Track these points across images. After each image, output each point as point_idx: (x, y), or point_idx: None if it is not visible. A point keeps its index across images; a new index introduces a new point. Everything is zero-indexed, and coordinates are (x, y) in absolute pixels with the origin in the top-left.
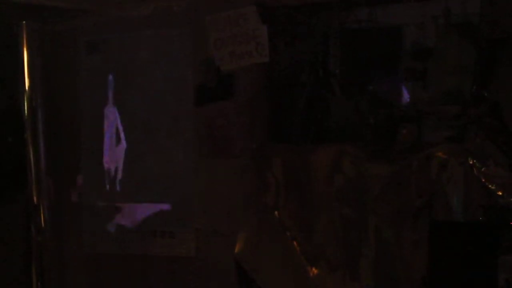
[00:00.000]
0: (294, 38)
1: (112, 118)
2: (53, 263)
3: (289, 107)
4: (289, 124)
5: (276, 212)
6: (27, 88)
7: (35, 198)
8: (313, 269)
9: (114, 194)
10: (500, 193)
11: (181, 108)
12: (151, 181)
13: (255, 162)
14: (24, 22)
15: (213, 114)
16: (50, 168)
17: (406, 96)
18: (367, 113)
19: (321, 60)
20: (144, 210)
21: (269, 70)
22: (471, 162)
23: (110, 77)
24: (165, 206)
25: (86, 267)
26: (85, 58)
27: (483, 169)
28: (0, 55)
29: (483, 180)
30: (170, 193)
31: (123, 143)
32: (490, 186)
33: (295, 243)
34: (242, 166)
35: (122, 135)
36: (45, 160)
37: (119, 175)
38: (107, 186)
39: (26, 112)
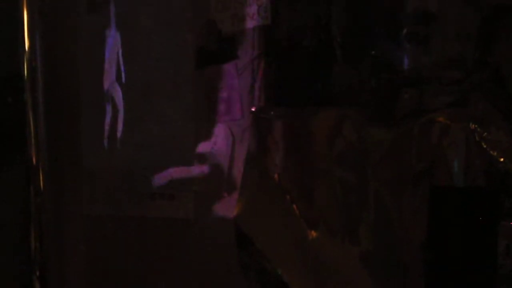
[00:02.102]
0: (297, 1)
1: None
2: (52, 225)
3: (290, 71)
4: (290, 88)
5: (276, 175)
6: (27, 49)
7: (34, 160)
8: (313, 232)
9: (113, 156)
10: (502, 159)
11: (181, 71)
12: (150, 143)
13: (255, 125)
14: None
15: (213, 78)
16: (50, 129)
17: (408, 61)
18: (369, 77)
19: (323, 24)
20: (143, 172)
21: (271, 34)
22: (472, 128)
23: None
24: (164, 168)
25: (84, 229)
26: (85, 18)
27: (484, 134)
28: None
29: (485, 145)
30: (170, 155)
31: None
32: (491, 151)
33: (294, 206)
34: (242, 129)
35: (120, 96)
36: (44, 121)
37: (119, 137)
38: (106, 148)
39: (26, 73)
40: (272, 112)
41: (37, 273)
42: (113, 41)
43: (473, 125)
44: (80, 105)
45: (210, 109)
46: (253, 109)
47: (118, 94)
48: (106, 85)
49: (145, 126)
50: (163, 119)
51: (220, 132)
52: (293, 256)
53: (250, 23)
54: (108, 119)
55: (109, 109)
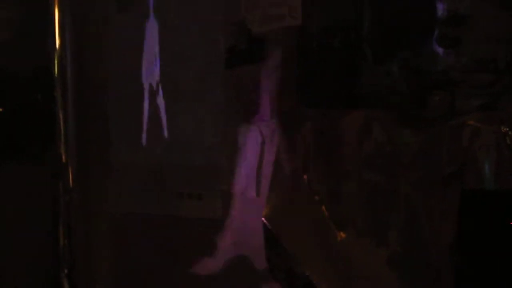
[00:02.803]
0: (327, 2)
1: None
2: (80, 223)
3: (320, 71)
4: (319, 89)
5: (305, 177)
6: (57, 46)
7: (63, 157)
8: (341, 234)
9: (141, 154)
10: None
11: (211, 71)
12: (179, 142)
13: (284, 126)
14: None
15: (242, 77)
16: (79, 126)
17: (438, 63)
18: (399, 79)
19: (354, 25)
20: (172, 171)
21: (301, 34)
22: (503, 131)
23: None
24: (193, 168)
25: (112, 227)
26: (115, 16)
27: None
28: (31, 13)
29: None
30: (198, 155)
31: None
32: None
33: (323, 207)
34: (272, 130)
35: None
36: (73, 118)
37: (148, 136)
38: (135, 146)
39: (56, 70)
40: (301, 113)
41: (66, 271)
42: (143, 40)
43: (504, 128)
44: (109, 103)
45: (239, 109)
46: (282, 110)
47: (145, 94)
48: (145, 82)
49: (174, 125)
50: (192, 119)
51: (249, 132)
52: (321, 257)
53: (280, 24)
54: (138, 118)
55: (146, 106)
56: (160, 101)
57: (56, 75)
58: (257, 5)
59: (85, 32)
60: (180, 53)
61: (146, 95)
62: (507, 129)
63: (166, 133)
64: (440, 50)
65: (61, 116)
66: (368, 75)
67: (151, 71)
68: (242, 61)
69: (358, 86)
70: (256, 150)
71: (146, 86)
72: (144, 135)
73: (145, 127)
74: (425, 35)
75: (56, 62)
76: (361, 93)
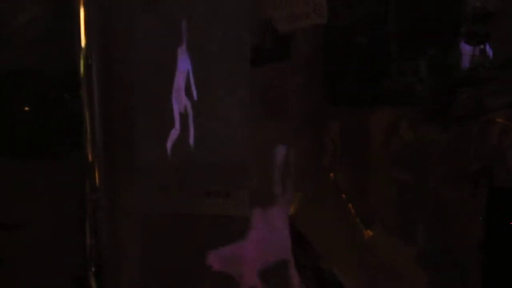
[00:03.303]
0: None
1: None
2: (107, 222)
3: (346, 69)
4: (346, 87)
5: (331, 174)
6: (83, 45)
7: (90, 156)
8: (368, 231)
9: (168, 153)
10: None
11: (237, 69)
12: (205, 141)
13: (311, 124)
14: None
15: (269, 76)
16: (105, 126)
17: (466, 60)
18: (426, 77)
19: (380, 22)
20: (199, 169)
21: (327, 32)
22: None
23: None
24: (220, 166)
25: (139, 226)
26: (141, 15)
27: None
28: (56, 12)
29: None
30: (225, 153)
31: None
32: None
33: (350, 205)
34: (298, 128)
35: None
36: (100, 118)
37: (175, 134)
38: (161, 145)
39: (82, 70)
40: (328, 112)
41: (93, 270)
42: (170, 38)
43: None
44: (135, 102)
45: (266, 107)
46: (309, 109)
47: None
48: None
49: (201, 123)
50: (219, 117)
51: (275, 130)
52: (348, 255)
53: (306, 22)
54: (164, 117)
55: (164, 106)
56: (187, 99)
57: (82, 74)
58: (282, 3)
59: (111, 31)
60: (206, 52)
61: (172, 94)
62: None
63: (192, 132)
64: (468, 47)
65: (87, 115)
66: (395, 72)
67: (177, 70)
68: (268, 60)
69: (384, 83)
70: (282, 148)
71: (172, 85)
72: (170, 134)
73: (171, 125)
74: (452, 31)
75: (82, 61)
76: (388, 90)
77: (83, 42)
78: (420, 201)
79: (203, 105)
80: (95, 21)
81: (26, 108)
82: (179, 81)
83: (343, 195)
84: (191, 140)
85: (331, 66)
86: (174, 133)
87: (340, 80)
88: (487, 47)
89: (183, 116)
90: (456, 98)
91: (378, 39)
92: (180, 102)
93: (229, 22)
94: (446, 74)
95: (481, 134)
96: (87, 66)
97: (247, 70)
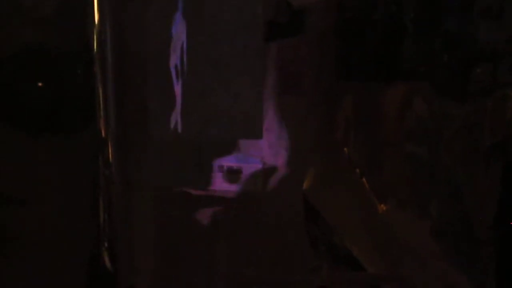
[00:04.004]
0: None
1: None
2: (120, 197)
3: (361, 45)
4: (360, 62)
5: (345, 149)
6: (96, 21)
7: (103, 132)
8: (382, 206)
9: (181, 129)
10: None
11: (251, 44)
12: (218, 116)
13: (325, 100)
14: None
15: (283, 50)
16: (118, 101)
17: (481, 36)
18: (441, 52)
19: None
20: (211, 145)
21: (341, 7)
22: None
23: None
24: (233, 142)
25: (152, 202)
26: None
27: None
28: None
29: None
30: (238, 128)
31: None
32: None
33: (364, 180)
34: (312, 103)
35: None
36: (113, 93)
37: (187, 110)
38: (174, 121)
39: (95, 45)
40: (342, 87)
41: (106, 245)
42: (182, 14)
43: None
44: (148, 77)
45: (279, 83)
46: (323, 83)
47: (184, 67)
48: (173, 57)
49: (214, 98)
50: (232, 92)
51: (289, 106)
52: (362, 230)
53: None
54: (177, 92)
55: (176, 81)
56: (199, 74)
57: (95, 50)
58: None
59: (124, 6)
60: (219, 26)
61: (185, 69)
62: None
63: (206, 108)
64: (483, 21)
65: (100, 91)
66: (409, 47)
67: (189, 45)
68: (282, 34)
69: (399, 58)
70: (296, 123)
71: (184, 59)
72: (182, 109)
73: (182, 101)
74: (467, 6)
75: (95, 37)
76: (402, 65)
77: (96, 18)
78: (434, 176)
79: (217, 80)
80: None
81: (40, 84)
82: (190, 55)
83: (357, 170)
84: (204, 115)
85: (346, 41)
86: (187, 108)
87: (354, 55)
88: (502, 21)
89: (196, 91)
90: (471, 73)
91: (392, 14)
92: (192, 77)
93: None
94: (461, 49)
95: (495, 109)
96: (101, 42)
97: (261, 45)
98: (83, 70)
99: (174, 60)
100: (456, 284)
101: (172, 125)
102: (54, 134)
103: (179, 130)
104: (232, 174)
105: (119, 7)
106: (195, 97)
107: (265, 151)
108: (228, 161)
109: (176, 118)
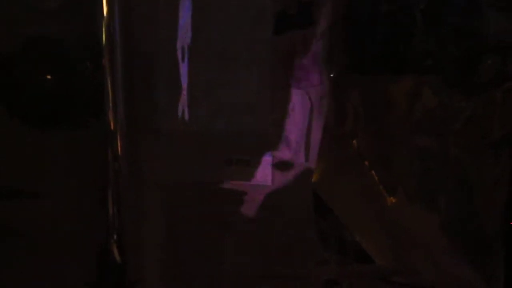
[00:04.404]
0: None
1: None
2: (129, 190)
3: (370, 36)
4: (369, 54)
5: (354, 142)
6: (105, 13)
7: (112, 125)
8: (391, 199)
9: (189, 122)
10: None
11: (259, 37)
12: (226, 109)
13: (333, 92)
14: None
15: (291, 43)
16: (127, 94)
17: (490, 27)
18: (449, 43)
19: None
20: (219, 138)
21: None
22: None
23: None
24: (241, 135)
25: (161, 195)
26: None
27: None
28: None
29: None
30: (246, 121)
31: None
32: None
33: (373, 173)
34: (320, 96)
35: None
36: (122, 86)
37: (195, 103)
38: (182, 114)
39: (104, 38)
40: (350, 79)
41: (114, 238)
42: (190, 5)
43: None
44: (156, 70)
45: (287, 75)
46: (331, 76)
47: (191, 60)
48: (181, 50)
49: (221, 91)
50: (239, 85)
51: (297, 98)
52: (371, 223)
53: None
54: (184, 85)
55: (185, 74)
56: (207, 67)
57: (104, 43)
58: None
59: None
60: (227, 18)
61: (192, 61)
62: None
63: (214, 101)
64: (491, 13)
65: (109, 84)
66: (418, 39)
67: (196, 37)
68: (290, 26)
69: (407, 50)
70: (304, 116)
71: (192, 52)
72: (189, 103)
73: (192, 94)
74: None
75: (104, 29)
76: (410, 58)
77: (105, 10)
78: (443, 168)
79: (225, 72)
80: None
81: (48, 77)
82: (198, 48)
83: (366, 163)
84: (212, 108)
85: (354, 33)
86: (195, 101)
87: (362, 47)
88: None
89: (204, 84)
90: (480, 65)
91: (400, 5)
92: (200, 70)
93: None
94: (470, 41)
95: (504, 101)
96: (109, 35)
97: (269, 37)
98: (92, 63)
99: (181, 53)
100: (465, 277)
101: (180, 118)
102: (62, 128)
103: (187, 123)
104: (240, 167)
105: None
106: (203, 90)
107: (273, 143)
108: (236, 154)
109: (184, 111)
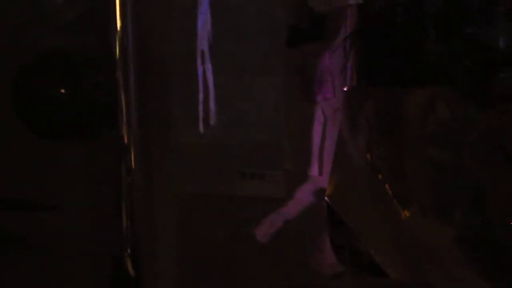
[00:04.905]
0: None
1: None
2: (143, 203)
3: (383, 49)
4: (382, 67)
5: (368, 155)
6: (118, 27)
7: (125, 138)
8: (405, 212)
9: (203, 134)
10: None
11: (272, 49)
12: (240, 122)
13: (347, 105)
14: None
15: (305, 56)
16: (141, 108)
17: (504, 40)
18: (464, 56)
19: (416, 1)
20: (233, 151)
21: (363, 12)
22: None
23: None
24: (255, 148)
25: (174, 207)
26: None
27: None
28: None
29: None
30: (260, 134)
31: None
32: None
33: (387, 186)
34: (334, 109)
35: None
36: (135, 99)
37: (209, 116)
38: (196, 127)
39: (117, 52)
40: (364, 91)
41: (129, 251)
42: (205, 19)
43: None
44: (170, 84)
45: (301, 88)
46: (345, 89)
47: (209, 72)
48: (195, 62)
49: (235, 103)
50: (253, 97)
51: (311, 111)
52: (385, 236)
53: (342, 1)
54: (199, 98)
55: (200, 87)
56: (221, 80)
57: (117, 56)
58: None
59: (146, 13)
60: (241, 32)
61: (207, 75)
62: None
63: (227, 113)
64: (506, 25)
65: (123, 97)
66: (432, 51)
67: (211, 51)
68: (304, 40)
69: (421, 63)
70: (318, 129)
71: (206, 66)
72: (204, 116)
73: (206, 107)
74: (490, 9)
75: (117, 43)
76: (424, 70)
77: (118, 24)
78: (458, 181)
79: (239, 85)
80: (130, 3)
81: (63, 90)
82: (213, 61)
83: (380, 176)
84: (226, 121)
85: (367, 46)
86: (209, 115)
87: (376, 59)
88: None
89: (218, 97)
90: (494, 77)
91: (414, 18)
92: (214, 82)
93: (264, 2)
94: (485, 53)
95: None
96: (123, 48)
97: (282, 50)
98: (106, 76)
99: (195, 66)
100: None
101: (194, 131)
102: (76, 141)
103: (201, 136)
104: (254, 180)
105: (141, 13)
106: (217, 103)
107: (287, 156)
108: (249, 167)
109: (198, 124)
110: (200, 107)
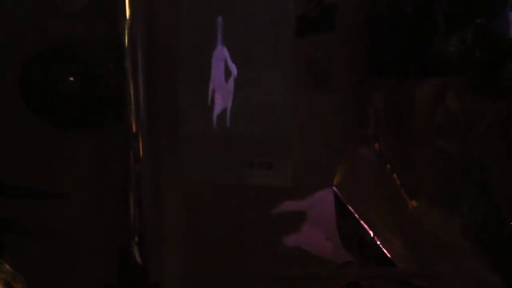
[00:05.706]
0: None
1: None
2: (150, 192)
3: (392, 40)
4: (391, 57)
5: (376, 145)
6: (127, 16)
7: (134, 127)
8: (413, 202)
9: (211, 124)
10: None
11: (281, 40)
12: (249, 112)
13: (356, 95)
14: None
15: (314, 46)
16: (149, 97)
17: None
18: (473, 46)
19: None
20: (242, 140)
21: (372, 2)
22: None
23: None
24: (263, 137)
25: (182, 196)
26: None
27: None
28: None
29: None
30: (268, 124)
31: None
32: None
33: (394, 175)
34: (343, 99)
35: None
36: (144, 89)
37: (218, 105)
38: (205, 116)
39: (126, 41)
40: (373, 82)
41: (136, 239)
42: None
43: None
44: (178, 73)
45: (310, 78)
46: (354, 79)
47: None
48: (212, 52)
49: (245, 94)
50: (263, 87)
51: (320, 101)
52: (392, 226)
53: None
54: (209, 87)
55: (207, 76)
56: (230, 70)
57: (126, 45)
58: None
59: (155, 2)
60: (250, 22)
61: (216, 65)
62: None
63: (236, 103)
64: None
65: (131, 86)
66: (441, 42)
67: (220, 41)
68: (313, 30)
69: (430, 54)
70: (327, 119)
71: (215, 56)
72: (213, 105)
73: (214, 96)
74: (499, 0)
75: (126, 32)
76: (433, 61)
77: (127, 13)
78: (465, 172)
79: (247, 75)
80: None
81: (71, 79)
82: (223, 52)
83: (388, 166)
84: (235, 111)
85: (377, 37)
86: (218, 104)
87: (385, 50)
88: None
89: (227, 87)
90: (504, 68)
91: (423, 9)
92: (223, 73)
93: None
94: (494, 44)
95: None
96: (132, 37)
97: (291, 41)
98: (114, 65)
99: (205, 55)
100: (487, 281)
101: (202, 120)
102: (85, 129)
103: (209, 125)
104: (262, 169)
105: (150, 2)
106: (227, 93)
107: (295, 146)
108: (258, 157)
109: (206, 113)
110: (209, 96)
